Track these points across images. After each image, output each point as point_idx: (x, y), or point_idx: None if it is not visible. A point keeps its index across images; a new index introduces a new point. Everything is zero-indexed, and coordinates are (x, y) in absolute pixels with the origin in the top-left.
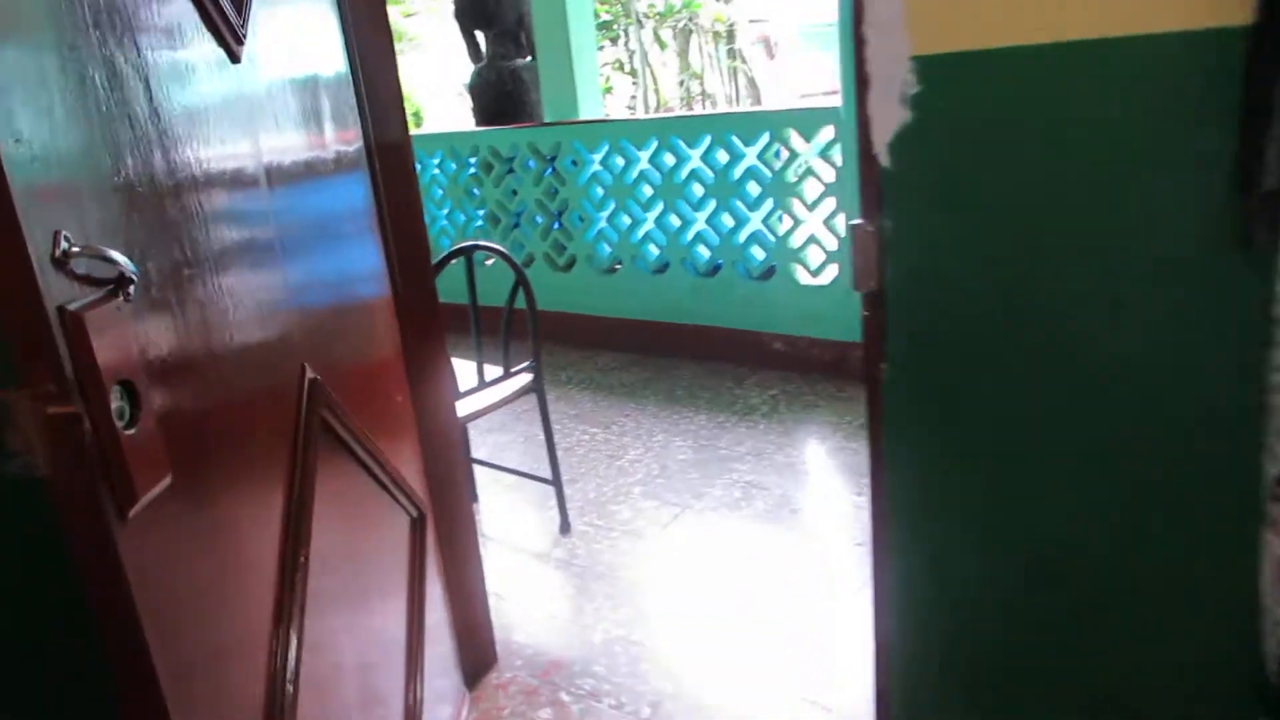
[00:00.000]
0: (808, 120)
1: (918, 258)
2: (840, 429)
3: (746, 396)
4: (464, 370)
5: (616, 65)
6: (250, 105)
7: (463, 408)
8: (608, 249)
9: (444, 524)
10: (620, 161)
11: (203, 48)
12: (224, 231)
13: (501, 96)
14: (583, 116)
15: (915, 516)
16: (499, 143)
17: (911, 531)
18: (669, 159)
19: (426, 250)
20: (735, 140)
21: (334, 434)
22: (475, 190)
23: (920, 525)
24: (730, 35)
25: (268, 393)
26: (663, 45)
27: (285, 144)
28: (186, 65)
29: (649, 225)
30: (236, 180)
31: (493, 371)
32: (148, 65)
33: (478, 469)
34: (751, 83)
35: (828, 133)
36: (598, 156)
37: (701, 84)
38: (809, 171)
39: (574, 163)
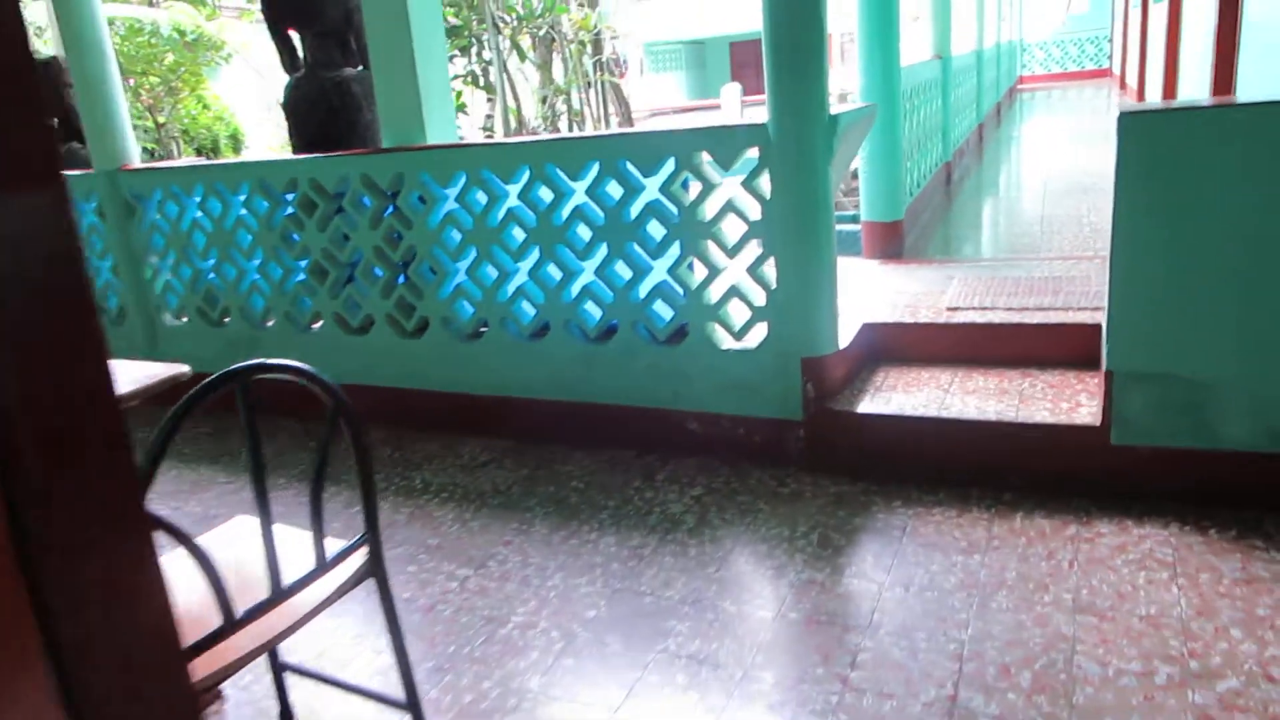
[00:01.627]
0: (726, 141)
1: None
2: (797, 549)
3: (663, 500)
4: (252, 561)
5: (469, 79)
6: None
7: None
8: (470, 309)
9: None
10: (483, 198)
11: None
12: None
13: (326, 116)
14: (432, 140)
15: None
16: (323, 174)
17: None
18: (546, 194)
19: (103, 373)
20: (631, 169)
21: None
22: (295, 235)
23: None
24: (597, 46)
25: None
26: (523, 56)
27: None
28: None
29: (522, 278)
30: None
31: (299, 557)
32: None
33: (292, 680)
34: (620, 99)
35: (751, 157)
36: (453, 191)
37: (568, 101)
38: (729, 207)
39: (422, 200)
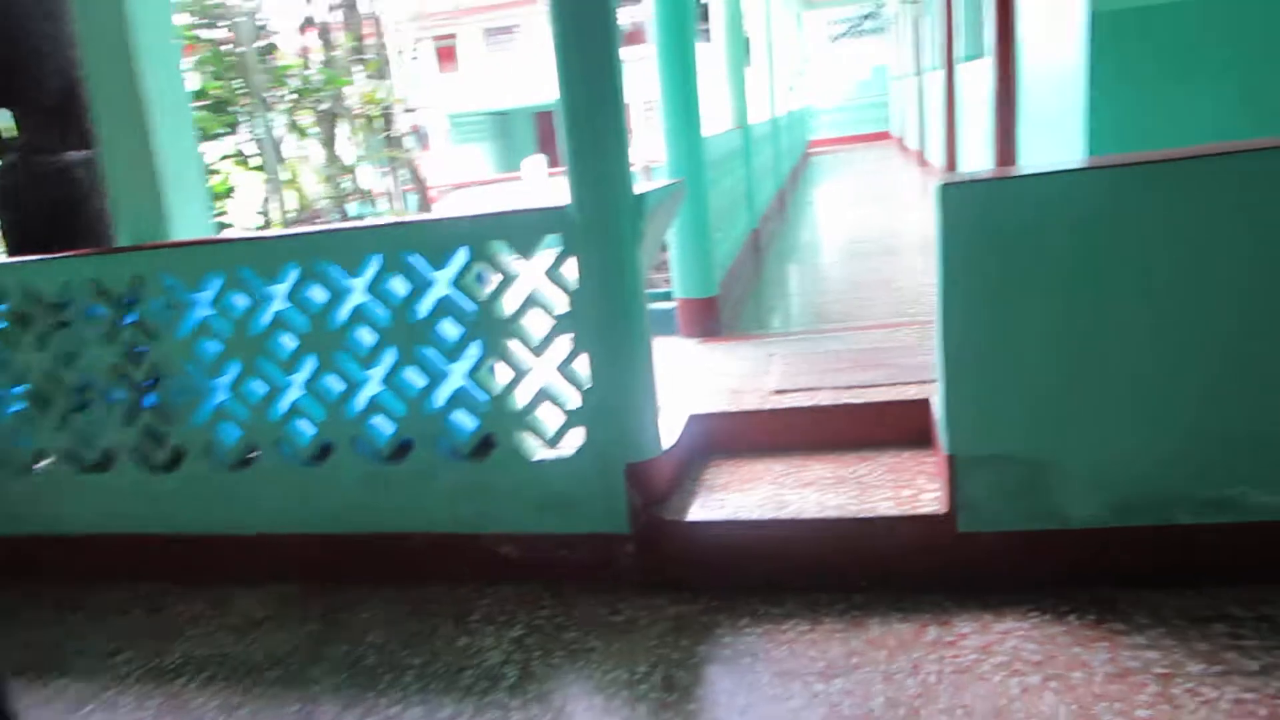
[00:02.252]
0: (524, 227)
1: None
2: (639, 696)
3: (478, 648)
4: None
5: (238, 159)
6: None
7: None
8: (235, 433)
9: None
10: (243, 301)
11: None
12: None
13: (43, 208)
14: (179, 235)
15: None
16: (42, 280)
17: None
18: (320, 293)
19: None
20: (418, 262)
21: None
22: (7, 356)
23: None
24: (387, 121)
25: None
26: (302, 133)
27: None
28: None
29: (297, 392)
30: None
31: None
32: None
33: None
34: (417, 178)
35: (554, 243)
36: (207, 295)
37: (355, 180)
38: (532, 300)
39: (169, 306)
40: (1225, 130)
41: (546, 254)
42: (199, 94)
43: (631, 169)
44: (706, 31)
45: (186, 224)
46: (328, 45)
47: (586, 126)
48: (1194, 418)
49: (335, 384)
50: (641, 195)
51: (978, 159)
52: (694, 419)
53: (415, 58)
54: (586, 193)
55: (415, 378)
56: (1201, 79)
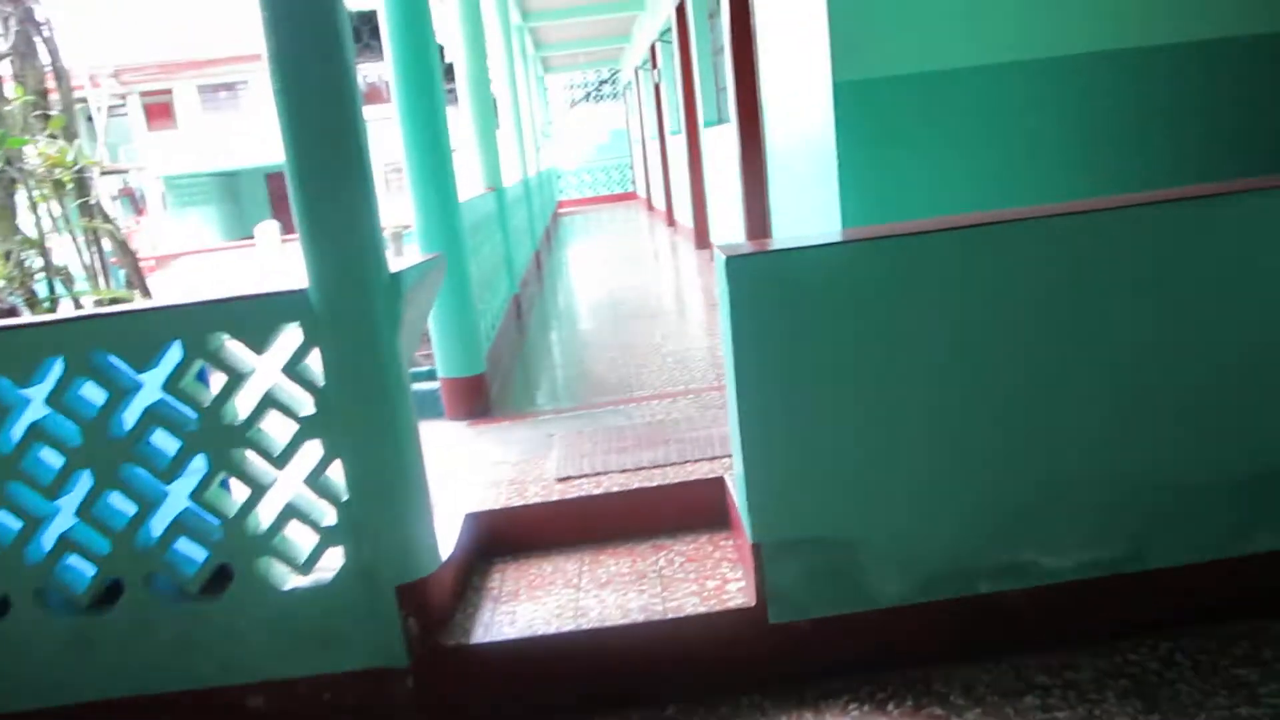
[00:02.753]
0: (254, 316)
1: None
2: None
3: None
4: None
5: None
6: None
7: None
8: None
9: None
10: None
11: None
12: None
13: None
14: None
15: None
16: None
17: None
18: None
19: None
20: (118, 364)
21: None
22: None
23: None
24: (82, 186)
25: None
26: None
27: None
28: None
29: None
30: None
31: None
32: None
33: None
34: (124, 250)
35: (292, 336)
36: None
37: (45, 256)
38: (270, 401)
39: None
40: (961, 197)
41: (287, 341)
42: None
43: (382, 246)
44: (453, 91)
45: None
46: None
47: (326, 197)
48: (982, 487)
49: (9, 521)
50: (398, 274)
51: (728, 219)
52: (471, 519)
53: (123, 114)
54: (329, 273)
55: (122, 504)
56: (939, 148)
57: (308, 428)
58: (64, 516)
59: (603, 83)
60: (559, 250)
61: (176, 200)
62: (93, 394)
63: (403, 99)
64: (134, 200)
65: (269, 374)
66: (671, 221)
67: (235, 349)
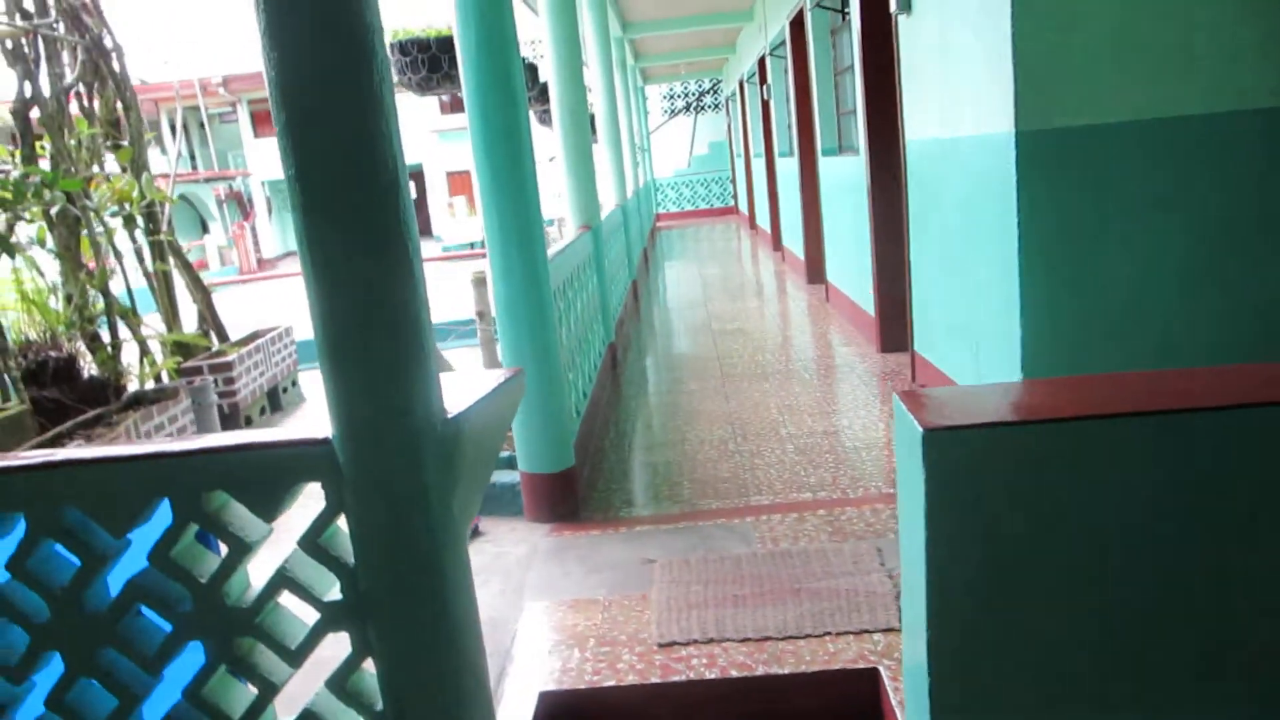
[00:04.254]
0: (261, 472)
1: None
2: None
3: None
4: None
5: None
6: None
7: None
8: None
9: None
10: None
11: None
12: None
13: None
14: None
15: None
16: None
17: None
18: None
19: None
20: (95, 525)
21: None
22: None
23: None
24: (152, 218)
25: None
26: (9, 249)
27: None
28: None
29: None
30: None
31: None
32: None
33: None
34: (197, 285)
35: (312, 494)
36: None
37: (107, 297)
38: (282, 579)
39: None
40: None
41: (306, 505)
42: None
43: (436, 379)
44: (546, 113)
45: None
46: (57, 132)
47: (353, 342)
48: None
49: None
50: (457, 419)
51: (850, 262)
52: (547, 699)
53: (233, 121)
54: (360, 417)
55: (97, 697)
56: (1148, 208)
57: (331, 617)
58: (26, 706)
59: (704, 93)
60: (656, 273)
61: (280, 204)
62: (60, 561)
63: (481, 147)
64: (240, 204)
65: (282, 543)
66: (778, 246)
67: (240, 513)
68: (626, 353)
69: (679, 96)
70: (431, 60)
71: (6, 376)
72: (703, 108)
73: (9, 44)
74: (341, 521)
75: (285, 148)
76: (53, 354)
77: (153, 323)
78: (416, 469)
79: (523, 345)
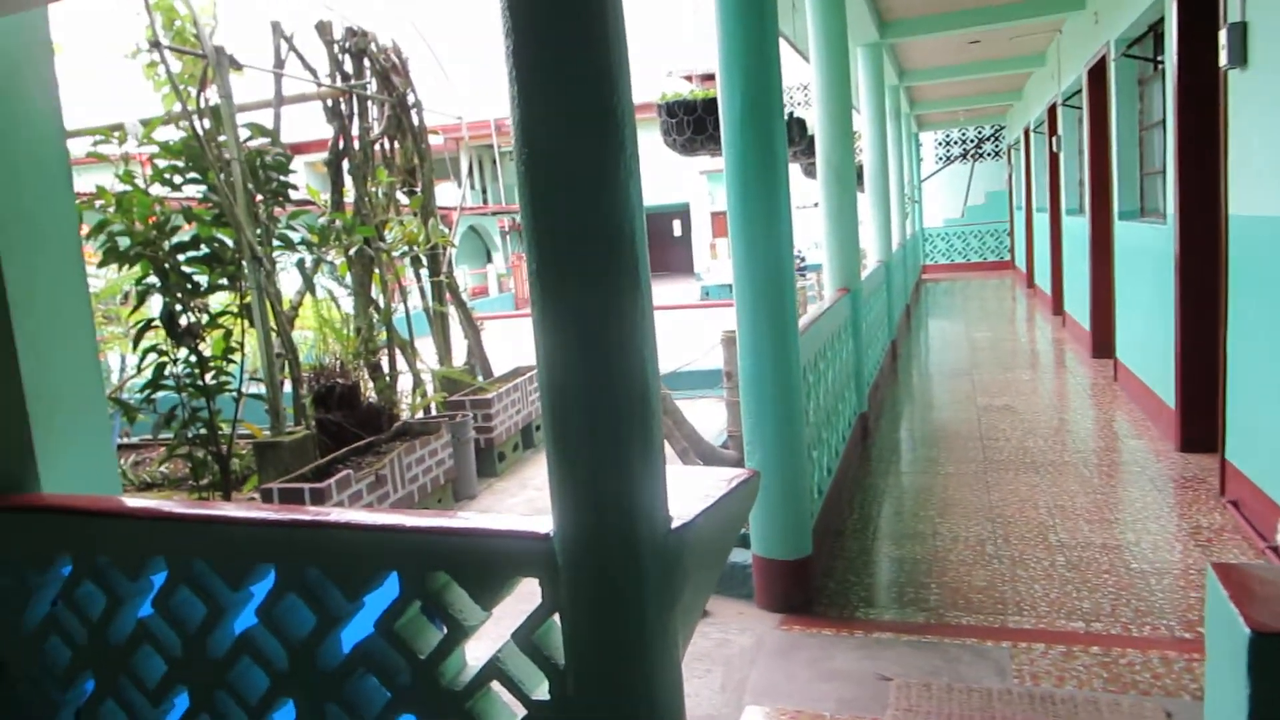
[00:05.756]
0: (478, 558)
1: None
2: None
3: None
4: None
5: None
6: None
7: None
8: None
9: None
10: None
11: None
12: None
13: None
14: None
15: None
16: None
17: None
18: (194, 605)
19: None
20: (331, 586)
21: None
22: None
23: None
24: (434, 261)
25: None
26: (309, 285)
27: None
28: None
29: None
30: None
31: None
32: None
33: None
34: (470, 324)
35: (528, 590)
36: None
37: (390, 331)
38: (493, 670)
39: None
40: None
41: (526, 598)
42: (195, 241)
43: (663, 478)
44: (812, 165)
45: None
46: (362, 181)
47: (579, 425)
48: None
49: None
50: (680, 530)
51: (1147, 347)
52: None
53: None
54: (580, 517)
55: None
56: None
57: (538, 717)
58: None
59: (983, 139)
60: (918, 332)
61: None
62: (301, 616)
63: (738, 210)
64: (521, 236)
65: (497, 635)
66: (1058, 310)
67: (460, 595)
68: (878, 421)
69: (955, 143)
70: (696, 122)
71: (300, 403)
72: (981, 155)
73: (329, 102)
74: (556, 618)
75: (526, 216)
76: (340, 380)
77: (423, 347)
78: (637, 581)
79: (765, 424)
